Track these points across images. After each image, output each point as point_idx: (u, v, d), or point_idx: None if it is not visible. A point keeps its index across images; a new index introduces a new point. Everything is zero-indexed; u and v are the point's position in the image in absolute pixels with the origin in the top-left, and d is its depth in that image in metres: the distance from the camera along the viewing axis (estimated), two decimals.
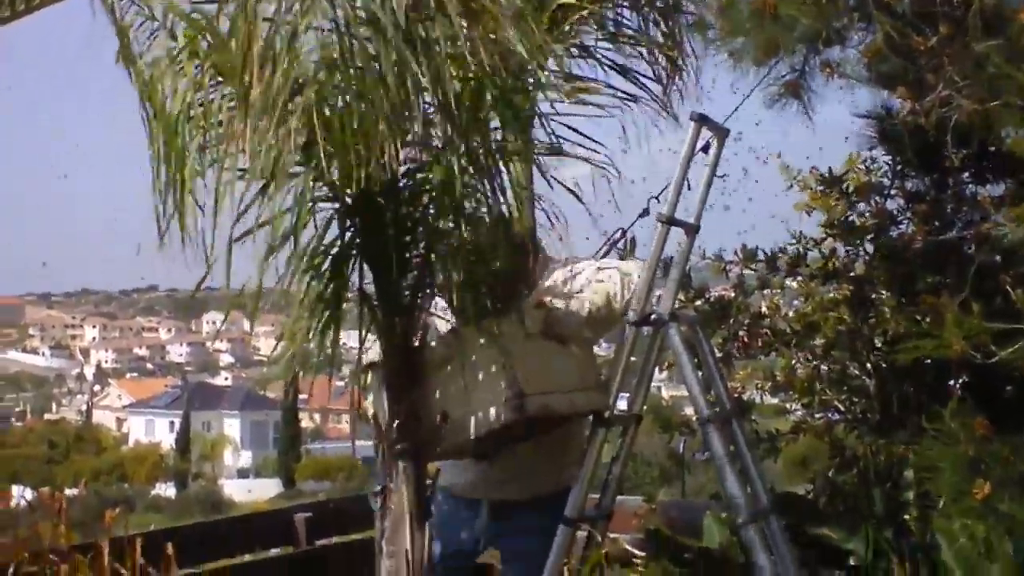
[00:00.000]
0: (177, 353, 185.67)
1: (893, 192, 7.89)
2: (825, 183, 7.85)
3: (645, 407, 6.05)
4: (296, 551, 8.71)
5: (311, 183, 4.70)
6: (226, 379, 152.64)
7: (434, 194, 4.93)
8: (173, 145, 4.58)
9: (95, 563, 3.80)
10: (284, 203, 4.64)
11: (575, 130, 5.12)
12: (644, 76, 5.20)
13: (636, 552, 6.27)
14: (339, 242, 4.96)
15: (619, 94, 5.10)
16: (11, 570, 3.71)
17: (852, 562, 6.53)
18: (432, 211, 5.04)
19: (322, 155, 4.42)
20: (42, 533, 3.82)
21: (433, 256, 5.15)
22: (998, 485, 5.84)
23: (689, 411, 8.41)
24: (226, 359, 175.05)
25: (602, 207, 5.32)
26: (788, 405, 8.42)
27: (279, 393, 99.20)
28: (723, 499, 6.65)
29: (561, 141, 5.08)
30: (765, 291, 8.27)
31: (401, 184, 4.93)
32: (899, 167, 7.82)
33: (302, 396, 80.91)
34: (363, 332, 5.18)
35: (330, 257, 4.97)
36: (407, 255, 5.09)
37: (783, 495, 6.96)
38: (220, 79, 4.72)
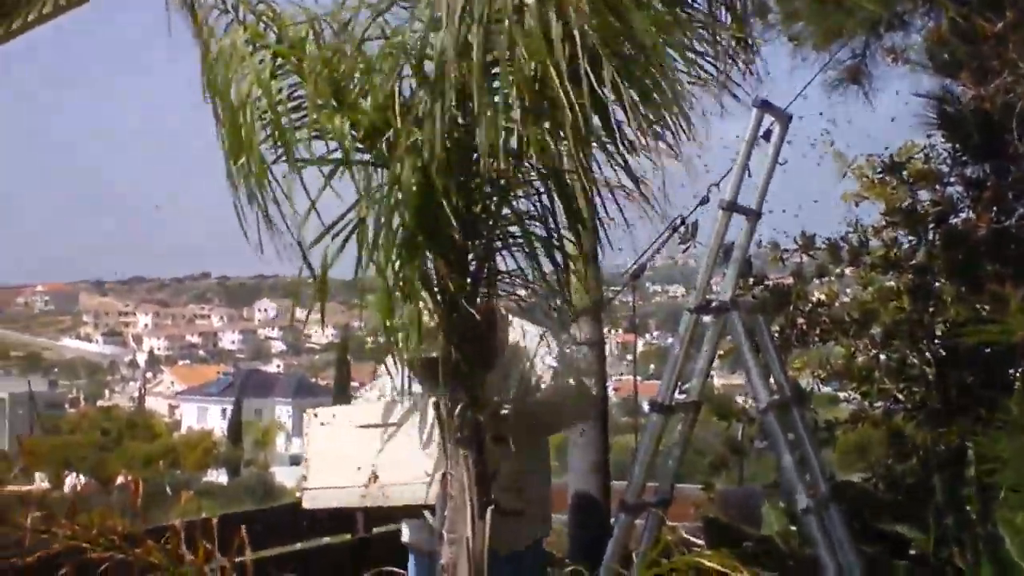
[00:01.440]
0: (229, 340, 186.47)
1: (952, 179, 7.83)
2: (884, 170, 7.80)
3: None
4: (354, 538, 8.72)
5: (378, 171, 4.70)
6: (278, 367, 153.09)
7: (500, 183, 4.91)
8: (246, 136, 4.59)
9: (167, 547, 3.82)
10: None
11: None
12: (707, 57, 5.13)
13: (694, 540, 6.25)
14: (404, 230, 4.95)
15: (689, 76, 5.03)
16: (86, 554, 3.74)
17: (913, 552, 6.50)
18: (496, 200, 5.02)
19: (389, 144, 4.42)
20: (114, 519, 3.84)
21: (496, 244, 5.14)
22: None
23: (743, 399, 8.39)
24: (278, 347, 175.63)
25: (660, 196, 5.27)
26: (842, 394, 8.38)
27: (331, 380, 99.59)
28: (781, 487, 6.64)
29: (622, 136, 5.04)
30: (823, 279, 8.24)
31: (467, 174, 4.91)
32: (959, 154, 7.76)
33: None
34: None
35: (396, 245, 4.95)
36: (471, 244, 5.08)
37: (842, 483, 6.93)
38: (288, 69, 4.73)
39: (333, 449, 6.48)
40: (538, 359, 6.55)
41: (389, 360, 5.67)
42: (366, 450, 6.37)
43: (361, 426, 6.49)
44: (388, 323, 4.87)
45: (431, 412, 5.92)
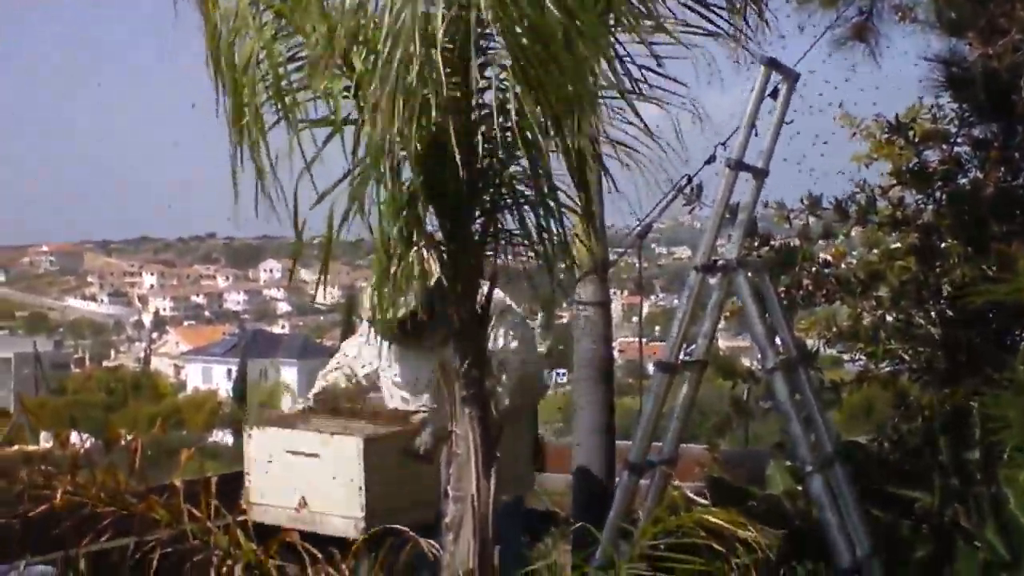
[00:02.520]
0: (234, 301, 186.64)
1: (960, 139, 7.80)
2: (891, 130, 7.76)
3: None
4: None
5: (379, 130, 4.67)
6: (283, 327, 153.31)
7: (505, 139, 4.89)
8: (248, 96, 4.57)
9: (170, 504, 3.82)
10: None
11: (651, 69, 5.03)
12: (717, 7, 5.09)
13: (699, 500, 6.26)
14: (409, 189, 4.93)
15: (696, 30, 4.99)
16: (88, 510, 3.74)
17: (917, 512, 6.49)
18: (502, 157, 5.00)
19: (393, 103, 4.39)
20: (117, 476, 3.84)
21: (502, 203, 5.13)
22: None
23: (748, 361, 8.38)
24: (283, 307, 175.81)
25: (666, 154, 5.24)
26: (846, 356, 8.37)
27: (336, 341, 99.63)
28: (787, 447, 6.63)
29: (634, 84, 5.01)
30: (829, 240, 8.22)
31: (472, 130, 4.89)
32: (966, 114, 7.73)
33: None
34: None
35: (398, 203, 4.94)
36: (476, 201, 5.07)
37: (847, 444, 6.92)
38: (290, 29, 4.70)
39: (271, 469, 6.80)
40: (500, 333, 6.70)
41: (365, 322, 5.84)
42: (299, 475, 6.68)
43: (289, 451, 6.74)
44: (379, 285, 4.87)
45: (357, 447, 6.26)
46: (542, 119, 4.61)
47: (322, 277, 4.93)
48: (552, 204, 5.03)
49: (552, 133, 4.74)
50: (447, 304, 5.22)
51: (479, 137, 4.77)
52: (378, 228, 4.78)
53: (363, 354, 7.38)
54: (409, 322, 6.48)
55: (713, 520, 4.11)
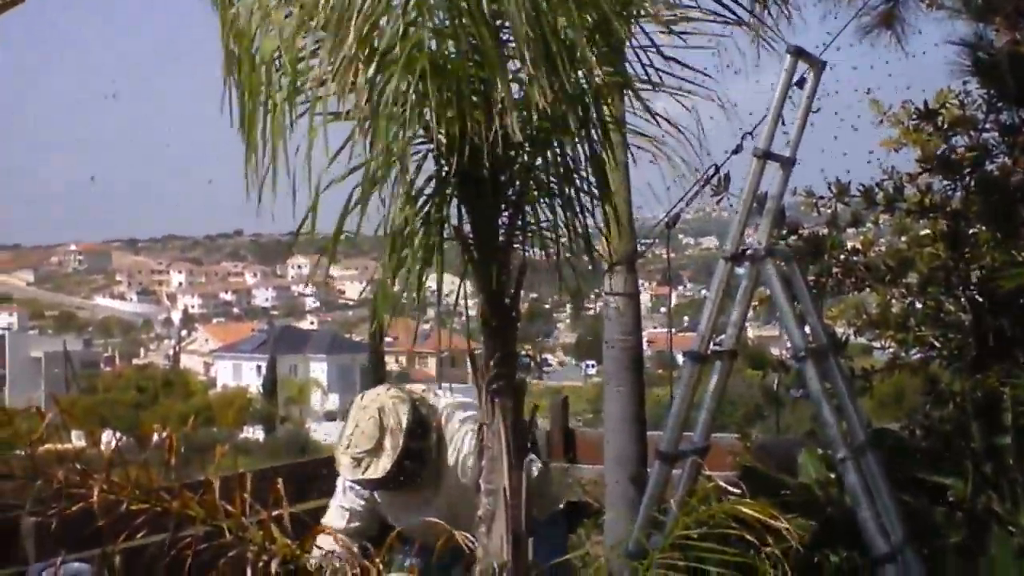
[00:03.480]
0: (263, 298, 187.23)
1: (988, 125, 7.78)
2: (920, 117, 7.75)
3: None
4: None
5: (404, 124, 4.67)
6: (311, 323, 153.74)
7: (530, 133, 4.89)
8: (265, 91, 4.58)
9: (204, 500, 3.84)
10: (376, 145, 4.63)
11: (673, 59, 5.03)
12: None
13: (731, 489, 6.24)
14: (433, 181, 4.94)
15: (718, 19, 4.98)
16: (124, 507, 3.76)
17: (950, 499, 6.48)
18: (528, 149, 5.00)
19: (414, 96, 4.40)
20: (151, 473, 3.85)
21: (528, 195, 5.13)
22: None
23: (776, 350, 8.38)
24: (311, 303, 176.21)
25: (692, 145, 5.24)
26: (876, 344, 8.35)
27: (365, 336, 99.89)
28: (819, 435, 6.63)
29: (658, 74, 5.01)
30: (858, 227, 8.21)
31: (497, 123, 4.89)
32: (994, 100, 7.70)
33: (388, 339, 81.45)
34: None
35: (424, 196, 4.95)
36: (502, 194, 5.07)
37: (879, 431, 6.91)
38: (311, 23, 4.70)
39: None
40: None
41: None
42: None
43: None
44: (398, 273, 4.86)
45: None
46: (565, 110, 4.62)
47: (349, 272, 4.94)
48: (577, 196, 5.03)
49: (576, 125, 4.74)
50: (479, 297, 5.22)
51: (503, 129, 4.77)
52: (398, 218, 4.78)
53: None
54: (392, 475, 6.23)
55: (745, 511, 4.11)
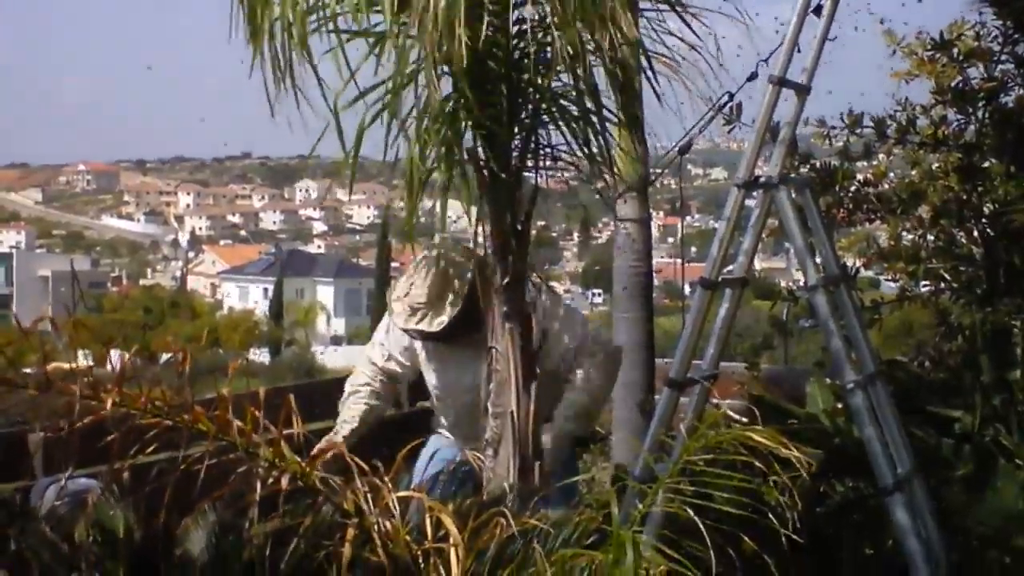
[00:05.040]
0: (271, 220, 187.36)
1: (1004, 57, 7.72)
2: (935, 47, 7.69)
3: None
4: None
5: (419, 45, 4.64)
6: (319, 247, 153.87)
7: (545, 53, 4.86)
8: (282, 12, 4.55)
9: (216, 416, 3.84)
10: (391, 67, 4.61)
11: None
12: None
13: (739, 418, 6.25)
14: (448, 104, 4.92)
15: None
16: (134, 422, 3.76)
17: (958, 431, 6.49)
18: (543, 71, 4.97)
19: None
20: (164, 390, 3.85)
21: (542, 118, 5.11)
22: None
23: (783, 281, 8.37)
24: (319, 227, 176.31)
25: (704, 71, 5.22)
26: (885, 276, 8.34)
27: (372, 261, 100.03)
28: (827, 365, 6.62)
29: None
30: (870, 159, 8.18)
31: (513, 44, 4.86)
32: (1010, 31, 7.65)
33: (395, 264, 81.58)
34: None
35: (438, 120, 4.92)
36: (516, 117, 5.05)
37: (888, 362, 6.90)
38: None
39: None
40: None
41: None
42: None
43: None
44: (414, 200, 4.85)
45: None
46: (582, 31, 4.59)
47: (358, 195, 4.94)
48: (594, 117, 5.01)
49: (592, 47, 4.72)
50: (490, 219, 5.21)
51: (519, 52, 4.76)
52: (413, 143, 4.77)
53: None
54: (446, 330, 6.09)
55: (754, 438, 4.11)
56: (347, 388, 6.54)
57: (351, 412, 6.46)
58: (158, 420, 3.78)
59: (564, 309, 6.32)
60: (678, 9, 4.94)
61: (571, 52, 4.56)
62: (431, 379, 6.40)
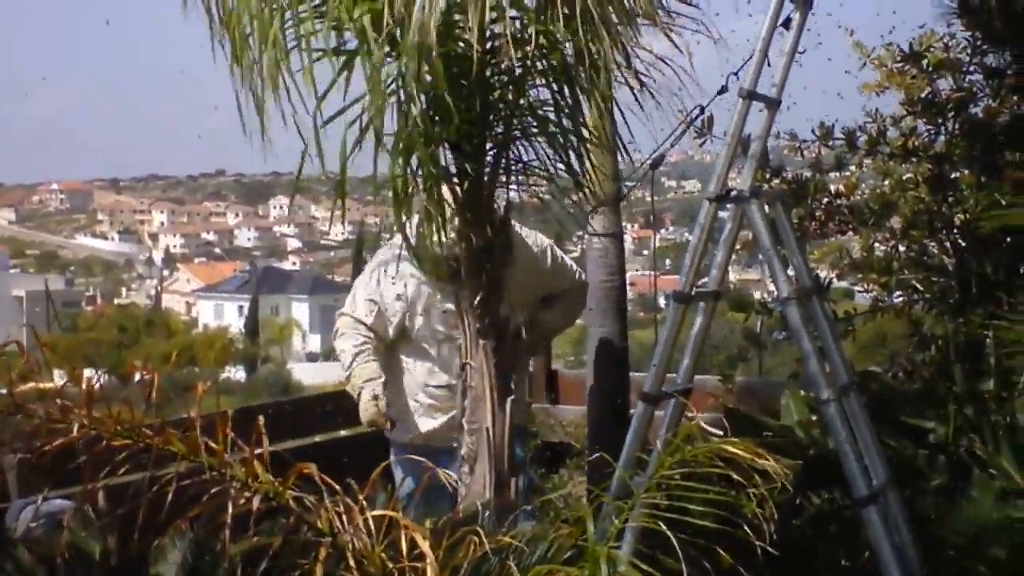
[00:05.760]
0: (245, 238, 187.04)
1: (972, 68, 7.75)
2: (904, 59, 7.71)
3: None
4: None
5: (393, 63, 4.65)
6: (294, 263, 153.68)
7: (517, 72, 4.87)
8: (260, 30, 4.55)
9: (186, 436, 3.82)
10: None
11: None
12: None
13: (714, 431, 6.26)
14: (421, 121, 4.91)
15: None
16: (104, 443, 3.74)
17: (932, 441, 6.50)
18: (513, 90, 4.98)
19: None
20: (134, 410, 3.84)
21: (515, 133, 5.11)
22: None
23: (759, 293, 8.38)
24: (293, 243, 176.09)
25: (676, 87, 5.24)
26: (858, 287, 8.36)
27: (347, 277, 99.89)
28: (802, 377, 6.63)
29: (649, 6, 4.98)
30: (842, 171, 8.19)
31: (485, 62, 4.86)
32: (978, 42, 7.68)
33: None
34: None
35: (409, 136, 4.92)
36: (490, 133, 5.05)
37: (862, 374, 6.92)
38: None
39: None
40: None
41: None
42: None
43: None
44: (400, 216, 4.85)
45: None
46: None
47: (341, 210, 4.95)
48: (563, 135, 5.01)
49: (563, 63, 4.73)
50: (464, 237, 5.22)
51: (492, 69, 4.76)
52: (390, 161, 4.77)
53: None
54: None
55: (729, 450, 4.12)
56: (349, 349, 6.56)
57: (370, 369, 6.47)
58: (129, 442, 3.76)
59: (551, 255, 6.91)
60: (649, 24, 4.93)
61: (548, 68, 4.58)
62: (432, 321, 6.57)
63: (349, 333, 6.59)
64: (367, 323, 6.54)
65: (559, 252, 6.89)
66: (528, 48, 4.49)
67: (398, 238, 5.45)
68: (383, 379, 6.45)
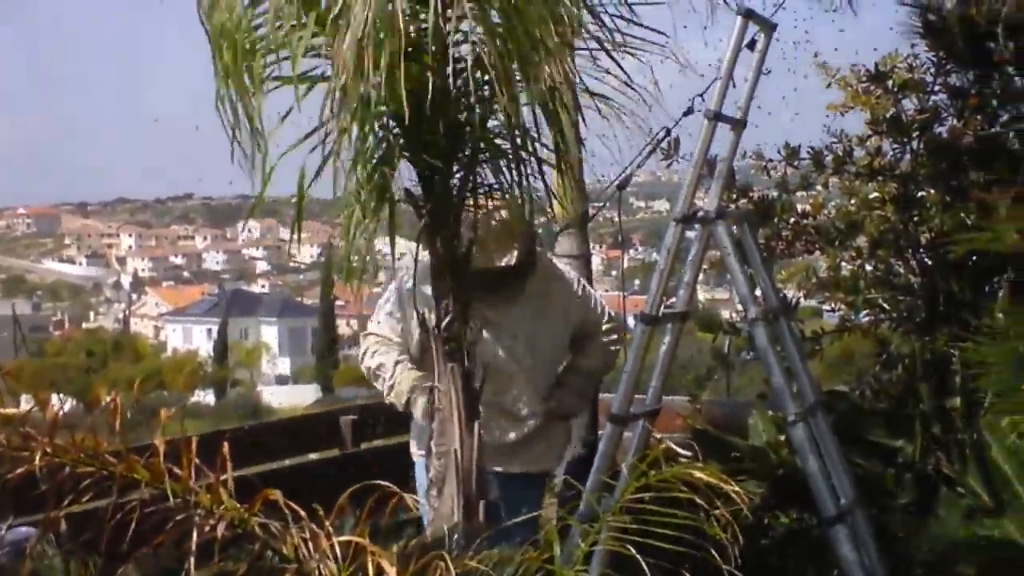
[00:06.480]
0: (213, 261, 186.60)
1: (937, 88, 7.79)
2: (869, 79, 7.75)
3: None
4: (343, 453, 8.74)
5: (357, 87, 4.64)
6: (262, 286, 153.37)
7: (482, 95, 4.86)
8: (230, 59, 4.55)
9: (150, 463, 3.80)
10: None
11: (629, 19, 5.00)
12: None
13: (682, 452, 6.26)
14: (386, 143, 4.91)
15: None
16: (67, 470, 3.72)
17: (900, 460, 6.52)
18: (479, 111, 4.97)
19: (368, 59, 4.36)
20: (97, 436, 3.81)
21: (480, 156, 5.10)
22: None
23: (727, 313, 8.39)
24: (262, 266, 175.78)
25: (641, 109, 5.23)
26: (826, 306, 8.38)
27: (316, 300, 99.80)
28: (770, 397, 6.64)
29: (611, 34, 4.98)
30: (808, 190, 8.22)
31: (450, 83, 4.86)
32: (943, 62, 7.72)
33: (339, 302, 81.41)
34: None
35: (376, 159, 4.91)
36: (454, 156, 5.04)
37: (829, 393, 6.94)
38: None
39: None
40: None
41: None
42: None
43: None
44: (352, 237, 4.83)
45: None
46: (515, 70, 4.60)
47: (296, 235, 4.95)
48: (529, 158, 5.00)
49: (526, 84, 4.72)
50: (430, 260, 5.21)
51: (456, 90, 4.75)
52: (349, 181, 4.75)
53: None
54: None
55: (695, 475, 4.11)
56: (389, 362, 6.46)
57: (416, 375, 6.39)
58: (92, 469, 3.74)
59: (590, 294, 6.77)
60: (610, 47, 4.93)
61: (505, 92, 4.56)
62: None
63: (381, 349, 6.55)
64: (394, 340, 6.51)
65: (591, 289, 6.86)
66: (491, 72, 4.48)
67: (408, 260, 5.48)
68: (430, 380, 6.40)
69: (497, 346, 6.26)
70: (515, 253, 6.08)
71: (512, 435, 6.40)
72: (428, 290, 5.52)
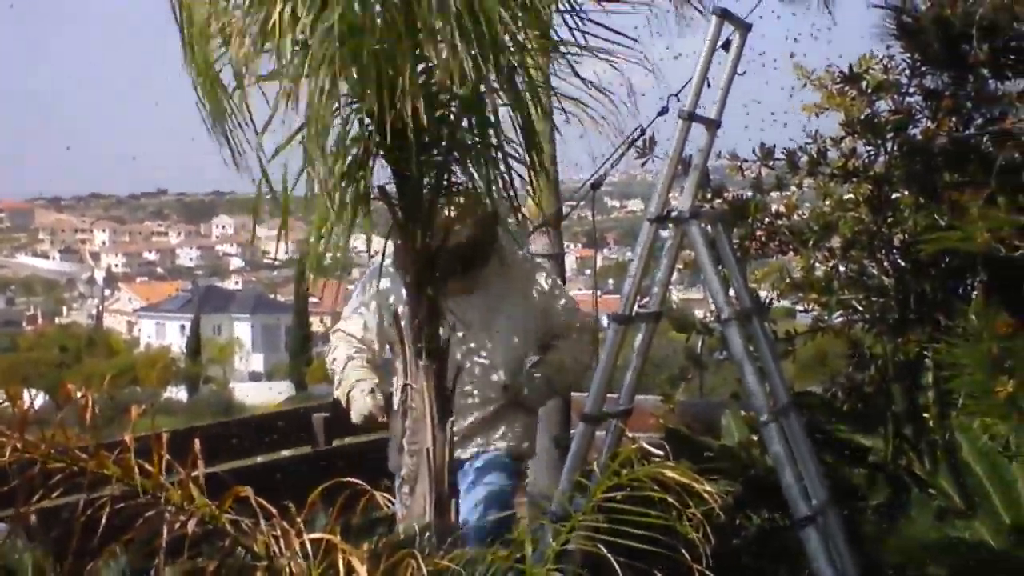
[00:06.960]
0: (187, 257, 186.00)
1: (911, 90, 7.81)
2: (844, 80, 7.76)
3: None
4: (315, 450, 8.73)
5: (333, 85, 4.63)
6: (236, 283, 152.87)
7: (456, 93, 4.86)
8: (203, 56, 4.55)
9: (120, 459, 3.79)
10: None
11: (603, 25, 5.01)
12: None
13: (654, 451, 6.26)
14: (360, 142, 4.91)
15: None
16: (38, 466, 3.71)
17: (872, 460, 6.53)
18: (454, 111, 4.97)
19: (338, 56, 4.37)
20: (68, 432, 3.80)
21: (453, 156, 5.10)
22: (1021, 383, 5.83)
23: (701, 312, 8.39)
24: (236, 263, 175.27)
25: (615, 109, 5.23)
26: (800, 307, 8.39)
27: (290, 297, 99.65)
28: (742, 397, 6.65)
29: (584, 37, 4.99)
30: (782, 191, 8.22)
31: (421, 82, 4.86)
32: (917, 64, 7.73)
33: (313, 299, 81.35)
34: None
35: (350, 157, 4.91)
36: (428, 155, 5.04)
37: (802, 393, 6.95)
38: None
39: None
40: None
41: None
42: None
43: None
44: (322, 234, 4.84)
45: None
46: (488, 71, 4.60)
47: (283, 230, 4.96)
48: (502, 157, 5.01)
49: (500, 85, 4.73)
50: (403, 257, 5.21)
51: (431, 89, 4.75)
52: (323, 181, 4.75)
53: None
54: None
55: (668, 474, 4.11)
56: (341, 357, 6.50)
57: (361, 371, 6.44)
58: (62, 465, 3.72)
59: (559, 290, 6.77)
60: (586, 53, 4.94)
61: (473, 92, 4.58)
62: None
63: (342, 346, 6.57)
64: (358, 336, 6.51)
65: (565, 289, 6.87)
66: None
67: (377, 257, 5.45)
68: (376, 380, 6.40)
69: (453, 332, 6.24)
70: (466, 232, 5.99)
71: (469, 420, 6.35)
72: (398, 287, 5.52)
